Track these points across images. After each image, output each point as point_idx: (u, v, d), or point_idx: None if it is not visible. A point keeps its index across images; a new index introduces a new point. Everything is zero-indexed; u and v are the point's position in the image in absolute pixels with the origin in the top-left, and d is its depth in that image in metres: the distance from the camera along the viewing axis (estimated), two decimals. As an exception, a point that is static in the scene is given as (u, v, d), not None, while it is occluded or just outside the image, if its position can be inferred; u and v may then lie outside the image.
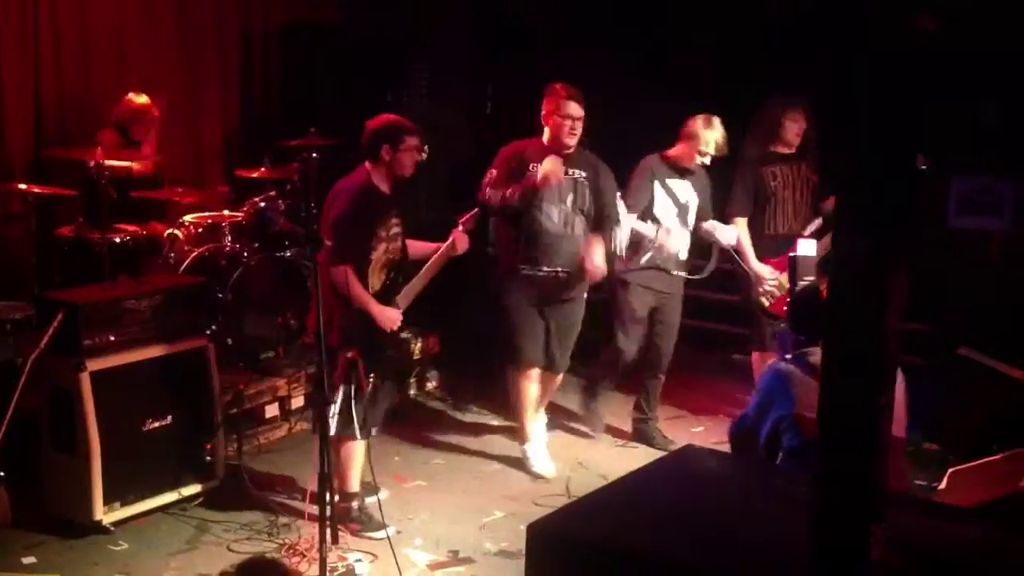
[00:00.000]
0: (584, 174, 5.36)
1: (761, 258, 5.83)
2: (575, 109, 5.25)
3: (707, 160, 5.65)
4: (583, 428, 6.07)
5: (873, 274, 1.77)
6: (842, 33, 1.84)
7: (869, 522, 1.85)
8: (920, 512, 2.47)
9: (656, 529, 2.28)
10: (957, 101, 2.18)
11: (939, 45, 1.81)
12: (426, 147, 4.94)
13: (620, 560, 2.18)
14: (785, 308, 5.88)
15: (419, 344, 6.48)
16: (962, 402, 5.62)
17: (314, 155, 6.34)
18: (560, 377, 5.68)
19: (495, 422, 6.21)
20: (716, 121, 5.60)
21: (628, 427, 6.06)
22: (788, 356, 3.77)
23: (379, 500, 4.76)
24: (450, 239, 4.89)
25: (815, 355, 3.44)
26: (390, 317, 4.70)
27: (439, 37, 7.33)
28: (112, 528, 4.63)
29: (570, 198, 5.34)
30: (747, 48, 6.68)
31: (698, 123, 5.61)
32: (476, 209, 5.06)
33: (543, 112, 5.32)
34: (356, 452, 4.73)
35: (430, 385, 6.70)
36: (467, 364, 6.77)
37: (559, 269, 5.36)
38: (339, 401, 4.61)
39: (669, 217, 5.67)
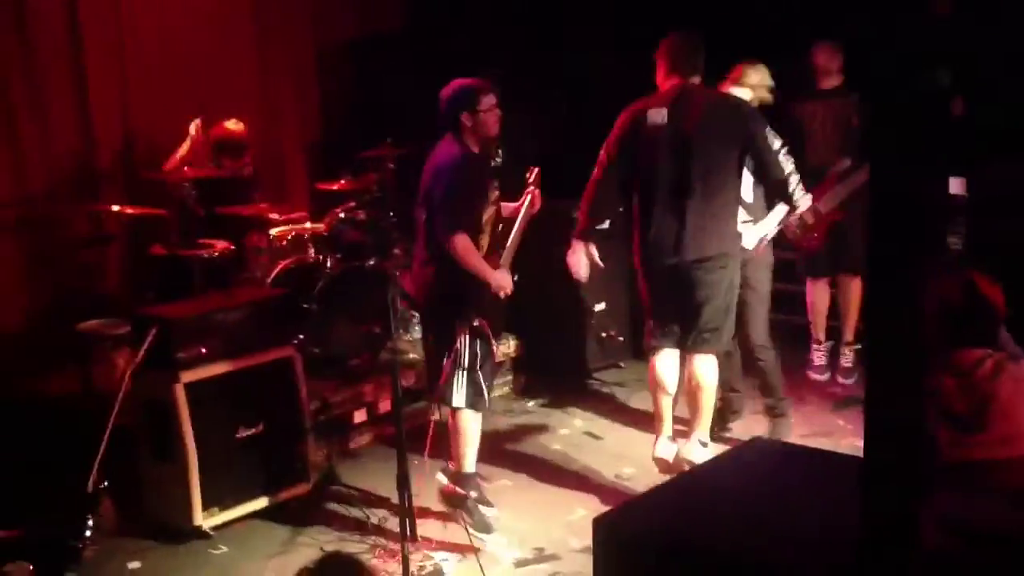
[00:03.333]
0: None
1: None
2: None
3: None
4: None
5: (909, 257, 1.81)
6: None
7: (917, 507, 1.89)
8: (973, 495, 2.48)
9: (720, 523, 2.33)
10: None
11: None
12: (500, 150, 4.96)
13: (683, 554, 2.24)
14: (811, 242, 5.97)
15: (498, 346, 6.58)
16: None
17: (390, 165, 6.49)
18: None
19: (578, 421, 6.28)
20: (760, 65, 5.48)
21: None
22: None
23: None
24: (527, 197, 4.82)
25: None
26: (505, 280, 4.66)
27: (508, 42, 7.41)
28: (212, 532, 4.81)
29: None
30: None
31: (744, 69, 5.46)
32: (537, 168, 4.95)
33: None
34: (476, 426, 4.77)
35: (513, 387, 6.79)
36: (550, 365, 6.84)
37: None
38: (464, 373, 4.63)
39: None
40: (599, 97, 7.59)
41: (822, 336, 6.41)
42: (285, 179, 7.36)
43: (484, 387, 4.71)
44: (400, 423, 4.35)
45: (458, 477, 4.82)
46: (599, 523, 2.43)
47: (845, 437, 5.65)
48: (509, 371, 6.77)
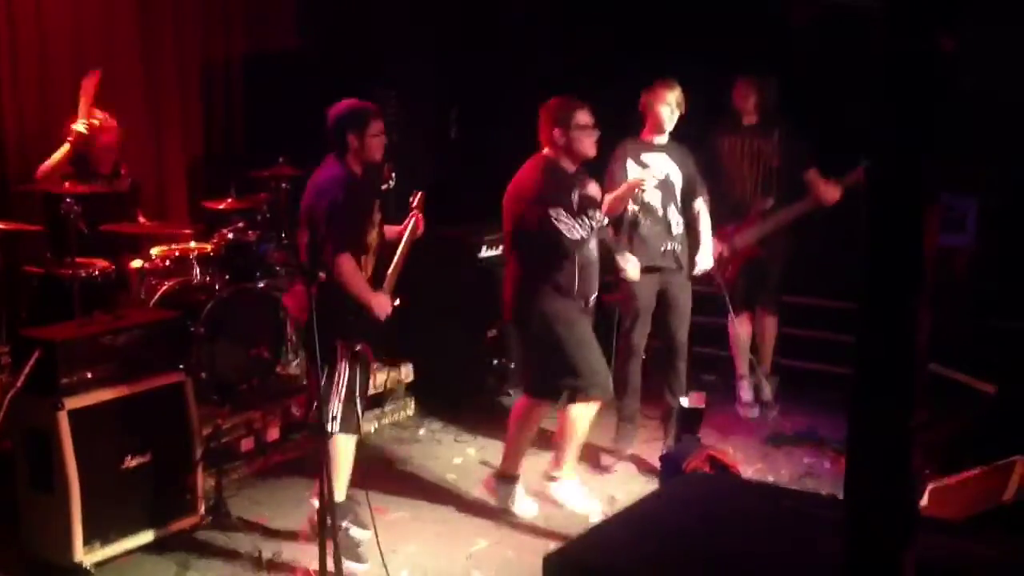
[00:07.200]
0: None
1: (716, 225, 5.92)
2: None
3: (674, 119, 5.61)
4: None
5: (903, 298, 1.81)
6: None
7: (905, 547, 1.88)
8: (943, 533, 2.51)
9: (674, 559, 2.30)
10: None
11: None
12: (394, 174, 4.94)
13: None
14: (726, 276, 6.10)
15: (391, 373, 6.47)
16: (933, 417, 5.69)
17: (284, 185, 6.31)
18: None
19: (472, 450, 6.19)
20: (671, 82, 5.62)
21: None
22: None
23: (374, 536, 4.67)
24: (411, 221, 4.84)
25: None
26: (386, 304, 4.66)
27: (402, 62, 7.33)
28: (92, 570, 4.53)
29: None
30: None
31: (654, 88, 5.62)
32: (422, 192, 4.96)
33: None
34: (349, 451, 4.70)
35: (406, 413, 6.66)
36: (442, 391, 6.74)
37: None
38: (342, 397, 4.57)
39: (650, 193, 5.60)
40: (493, 122, 7.61)
41: (745, 370, 6.47)
42: (165, 194, 7.06)
43: (359, 413, 4.70)
44: (327, 459, 4.17)
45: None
46: (549, 560, 2.35)
47: (780, 470, 5.77)
48: (403, 397, 6.64)
